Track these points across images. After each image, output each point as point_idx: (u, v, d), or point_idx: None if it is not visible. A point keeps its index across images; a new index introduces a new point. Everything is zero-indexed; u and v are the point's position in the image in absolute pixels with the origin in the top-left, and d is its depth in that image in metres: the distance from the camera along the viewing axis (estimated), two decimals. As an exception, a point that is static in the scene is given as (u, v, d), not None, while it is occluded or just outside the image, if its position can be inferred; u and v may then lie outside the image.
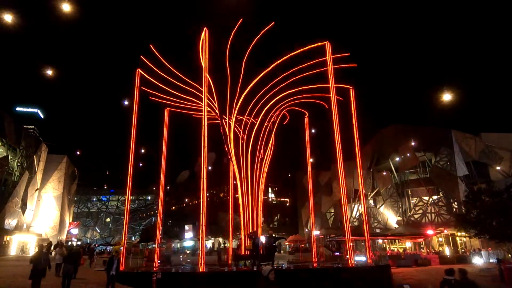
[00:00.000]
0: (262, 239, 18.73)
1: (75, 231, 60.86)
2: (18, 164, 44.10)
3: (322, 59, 21.28)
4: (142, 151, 55.88)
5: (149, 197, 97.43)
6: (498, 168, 38.26)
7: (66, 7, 19.06)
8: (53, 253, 23.44)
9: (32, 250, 43.33)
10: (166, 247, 41.73)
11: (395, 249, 41.56)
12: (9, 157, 41.80)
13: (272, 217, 72.24)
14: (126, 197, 20.20)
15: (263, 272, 11.16)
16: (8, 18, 18.44)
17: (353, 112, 21.60)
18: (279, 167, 65.76)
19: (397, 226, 43.65)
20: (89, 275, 19.45)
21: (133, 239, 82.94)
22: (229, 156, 23.21)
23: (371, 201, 49.88)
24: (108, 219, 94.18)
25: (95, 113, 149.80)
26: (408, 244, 42.42)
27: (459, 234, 37.08)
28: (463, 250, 37.83)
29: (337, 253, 35.56)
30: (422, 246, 40.76)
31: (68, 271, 13.59)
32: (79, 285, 15.38)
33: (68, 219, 59.57)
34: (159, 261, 22.04)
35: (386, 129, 49.00)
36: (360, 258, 24.50)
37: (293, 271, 17.37)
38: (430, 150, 43.91)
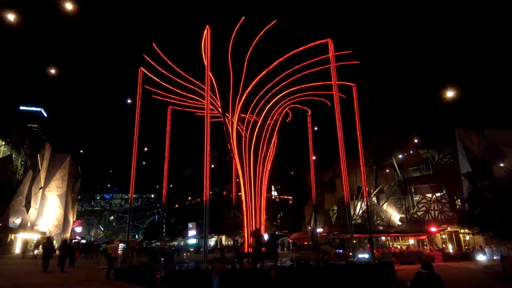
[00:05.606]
0: (265, 236, 18.77)
1: (79, 229, 61.21)
2: (22, 163, 44.31)
3: (325, 56, 21.26)
4: (146, 149, 56.19)
5: (153, 195, 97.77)
6: (501, 165, 38.01)
7: (69, 6, 19.15)
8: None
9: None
10: (168, 245, 41.72)
11: (398, 247, 41.52)
12: (13, 156, 42.00)
13: (275, 215, 72.30)
14: (130, 195, 20.28)
15: (264, 268, 11.18)
16: (11, 17, 18.53)
17: (355, 109, 21.62)
18: (282, 165, 65.95)
19: (400, 223, 43.57)
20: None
21: (136, 237, 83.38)
22: (232, 154, 23.25)
23: (374, 199, 49.78)
24: (111, 217, 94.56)
25: (99, 112, 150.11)
26: (411, 241, 42.32)
27: (462, 231, 36.98)
28: (466, 247, 37.72)
29: (340, 251, 35.49)
30: (425, 243, 40.67)
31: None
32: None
33: (72, 217, 59.78)
34: (162, 259, 22.12)
35: (389, 126, 48.89)
36: (363, 256, 24.47)
37: (295, 267, 17.40)
38: (433, 147, 43.73)
